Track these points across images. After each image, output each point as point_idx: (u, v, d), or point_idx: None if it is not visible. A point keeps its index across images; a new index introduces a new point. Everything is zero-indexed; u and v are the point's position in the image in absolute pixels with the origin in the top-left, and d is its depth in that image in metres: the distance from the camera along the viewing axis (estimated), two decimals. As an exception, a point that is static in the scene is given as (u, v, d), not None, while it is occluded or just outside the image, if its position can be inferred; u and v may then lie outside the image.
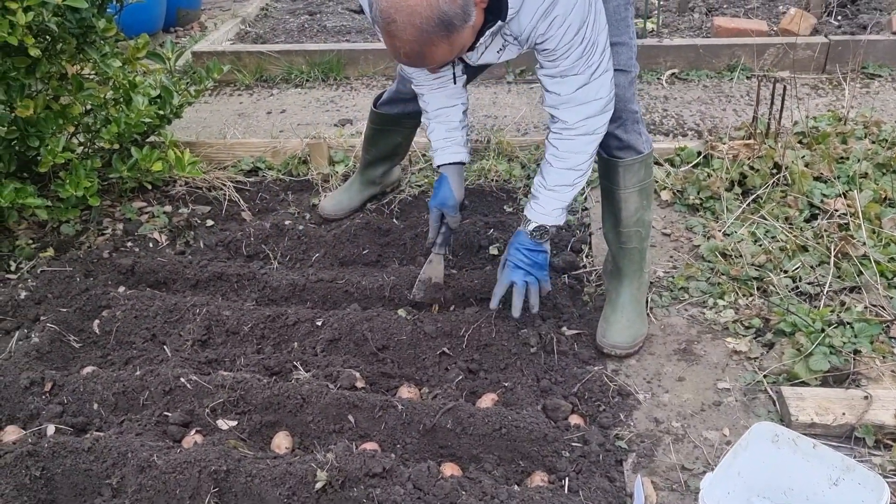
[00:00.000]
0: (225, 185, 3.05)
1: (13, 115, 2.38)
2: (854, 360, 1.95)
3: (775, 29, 4.06)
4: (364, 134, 2.81)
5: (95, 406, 1.97)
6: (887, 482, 1.53)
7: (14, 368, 2.06)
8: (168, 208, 2.95)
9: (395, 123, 2.69)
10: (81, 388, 2.00)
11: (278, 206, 3.02)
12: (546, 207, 1.96)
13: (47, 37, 2.33)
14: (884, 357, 1.95)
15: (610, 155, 2.06)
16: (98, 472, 1.73)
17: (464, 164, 2.17)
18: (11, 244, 2.68)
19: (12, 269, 2.55)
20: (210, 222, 2.90)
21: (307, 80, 4.10)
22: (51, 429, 1.88)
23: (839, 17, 4.22)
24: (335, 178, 3.08)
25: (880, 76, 3.75)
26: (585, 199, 2.89)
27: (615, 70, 1.84)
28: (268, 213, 2.97)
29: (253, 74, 4.10)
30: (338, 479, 1.62)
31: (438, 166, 2.17)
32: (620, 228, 2.14)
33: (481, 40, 1.70)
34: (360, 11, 5.20)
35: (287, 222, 2.82)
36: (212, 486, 1.65)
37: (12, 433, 1.90)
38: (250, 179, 3.14)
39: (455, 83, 2.05)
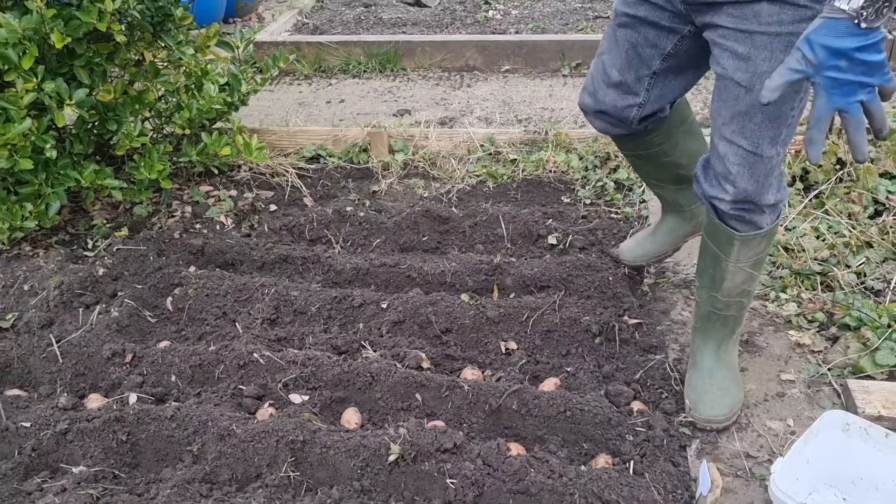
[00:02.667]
0: (287, 171, 3.13)
1: (95, 99, 2.47)
2: (922, 355, 1.94)
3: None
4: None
5: (173, 378, 2.06)
6: (958, 475, 1.53)
7: (96, 340, 2.16)
8: (233, 192, 3.04)
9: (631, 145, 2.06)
10: (160, 360, 2.09)
11: (339, 192, 3.09)
12: None
13: (128, 24, 2.42)
14: (952, 353, 1.93)
15: (723, 221, 1.70)
16: (180, 438, 1.82)
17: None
18: (87, 224, 2.80)
19: (89, 246, 2.66)
20: (273, 207, 2.99)
21: (364, 71, 4.17)
22: (133, 397, 1.98)
23: (903, 14, 4.14)
24: (395, 166, 3.14)
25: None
26: (643, 191, 2.91)
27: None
28: (329, 200, 3.05)
29: (312, 65, 4.19)
30: (410, 453, 1.67)
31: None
32: (719, 296, 1.82)
33: None
34: (415, 4, 5.26)
35: (348, 209, 2.89)
36: (289, 455, 1.72)
37: (95, 401, 2.00)
38: (312, 166, 3.21)
39: None
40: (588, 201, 2.89)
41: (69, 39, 2.18)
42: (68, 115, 2.35)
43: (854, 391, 1.83)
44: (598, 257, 2.50)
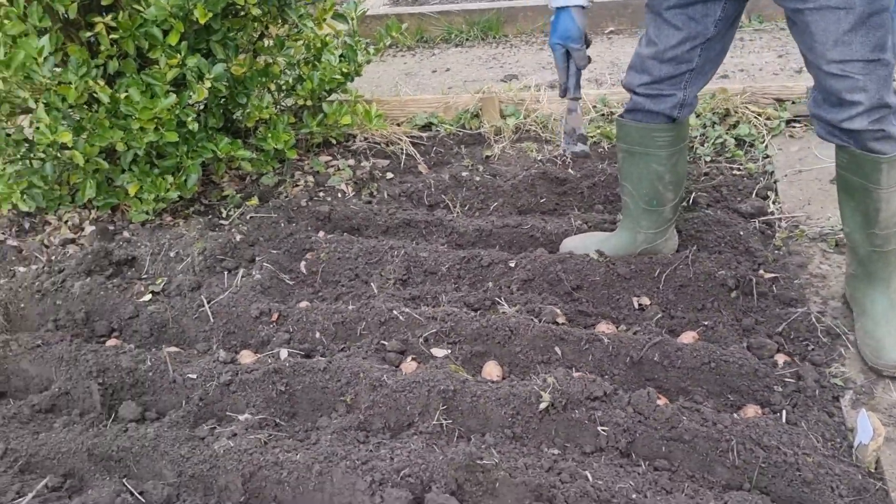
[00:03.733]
0: (401, 139, 3.20)
1: (229, 73, 2.58)
2: None
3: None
4: (618, 164, 2.26)
5: (318, 335, 2.16)
6: None
7: (243, 301, 2.28)
8: (351, 162, 3.13)
9: (645, 141, 2.11)
10: (304, 318, 2.19)
11: (452, 158, 3.14)
12: None
13: (257, -1, 2.51)
14: None
15: (866, 149, 1.75)
16: (333, 389, 1.91)
17: (584, 7, 1.91)
18: (218, 195, 2.94)
19: (224, 215, 2.80)
20: (390, 175, 3.06)
21: (467, 40, 4.20)
22: (283, 353, 2.09)
23: None
24: (507, 130, 3.16)
25: None
26: (766, 146, 2.83)
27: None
28: (443, 166, 3.10)
29: (413, 36, 4.24)
30: (560, 401, 1.71)
31: (557, 8, 1.91)
32: (875, 231, 1.82)
33: None
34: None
35: (464, 174, 2.93)
36: (440, 403, 1.79)
37: (247, 357, 2.12)
38: (424, 134, 3.27)
39: None
40: (708, 158, 2.84)
41: (210, 15, 2.29)
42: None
43: None
44: (725, 213, 2.46)
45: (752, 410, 1.75)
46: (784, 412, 1.71)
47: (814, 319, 1.98)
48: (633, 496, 1.51)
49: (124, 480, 1.74)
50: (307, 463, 1.66)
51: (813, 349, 1.91)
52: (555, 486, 1.54)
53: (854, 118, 1.70)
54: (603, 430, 1.68)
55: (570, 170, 2.89)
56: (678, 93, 2.00)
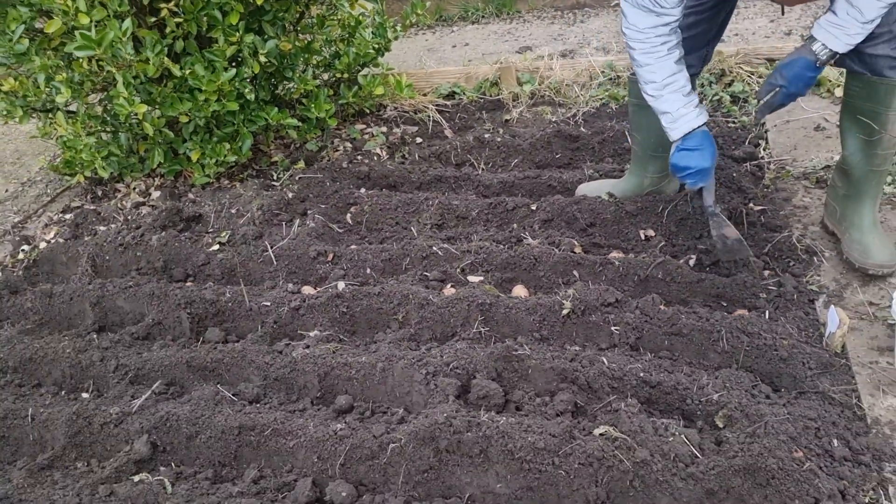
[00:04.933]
0: (427, 107, 3.53)
1: (278, 49, 2.92)
2: None
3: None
4: (629, 116, 2.48)
5: (368, 270, 2.51)
6: None
7: (301, 245, 2.63)
8: (384, 129, 3.47)
9: None
10: (356, 257, 2.54)
11: (475, 123, 3.47)
12: (850, 35, 1.87)
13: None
14: None
15: (883, 76, 1.98)
16: (387, 309, 2.26)
17: (707, 124, 2.12)
18: (267, 161, 3.30)
19: (275, 178, 3.16)
20: (419, 140, 3.40)
21: (482, 17, 4.52)
22: (341, 285, 2.44)
23: None
24: (524, 96, 3.49)
25: None
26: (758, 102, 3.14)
27: None
28: (467, 130, 3.43)
29: (433, 15, 4.56)
30: (580, 307, 2.06)
31: (684, 135, 2.09)
32: (878, 151, 2.09)
33: None
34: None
35: (486, 135, 3.26)
36: (479, 315, 2.14)
37: (309, 291, 2.48)
38: (449, 102, 3.60)
39: (677, 46, 2.06)
40: (707, 113, 3.15)
41: (265, -3, 2.63)
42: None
43: (968, 248, 2.07)
44: (721, 159, 2.78)
45: (741, 312, 2.08)
46: (767, 312, 2.05)
47: (795, 241, 2.30)
48: (641, 374, 1.85)
49: (218, 386, 2.10)
50: (371, 362, 2.01)
51: (793, 264, 2.24)
52: (577, 370, 1.88)
53: (878, 45, 1.94)
54: (615, 330, 2.03)
55: (581, 128, 3.21)
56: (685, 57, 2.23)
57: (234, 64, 2.88)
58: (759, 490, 1.52)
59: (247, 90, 2.81)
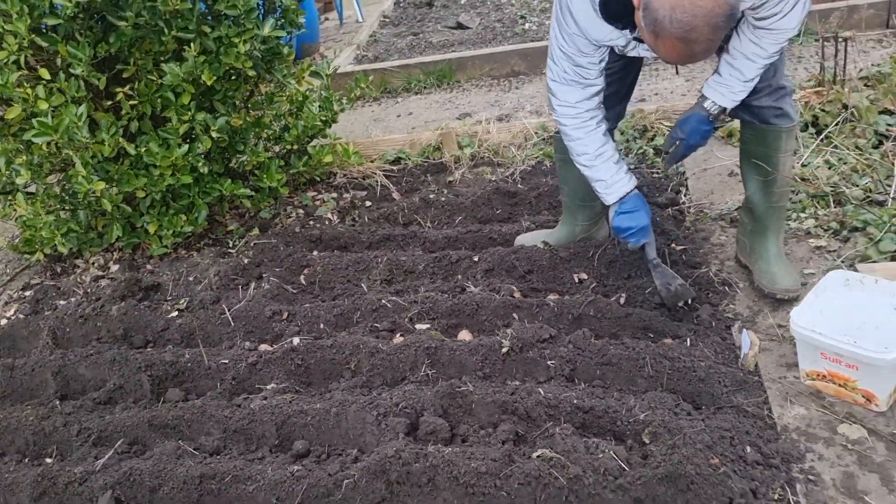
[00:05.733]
0: (375, 173, 3.74)
1: (228, 125, 3.12)
2: (917, 241, 2.40)
3: (839, -6, 4.47)
4: (557, 171, 2.69)
5: (322, 325, 2.65)
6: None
7: (257, 306, 2.76)
8: (334, 195, 3.66)
9: None
10: (309, 314, 2.68)
11: (421, 185, 3.69)
12: (735, 93, 2.13)
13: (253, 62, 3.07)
14: (942, 237, 2.39)
15: (770, 124, 2.26)
16: (340, 360, 2.39)
17: (638, 187, 2.34)
18: (223, 230, 3.45)
19: (231, 245, 3.30)
20: (368, 203, 3.60)
21: (424, 87, 4.80)
22: (296, 340, 2.57)
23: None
24: (465, 158, 3.72)
25: (941, 24, 4.12)
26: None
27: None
28: (413, 192, 3.64)
29: (378, 88, 4.84)
30: (517, 345, 2.22)
31: (620, 198, 2.31)
32: (774, 189, 2.35)
33: None
34: (457, 27, 5.89)
35: (431, 196, 3.47)
36: (426, 358, 2.29)
37: (265, 348, 2.60)
38: (395, 167, 3.82)
39: (604, 120, 2.31)
40: (633, 166, 3.42)
41: (215, 78, 2.83)
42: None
43: (862, 270, 2.30)
44: (645, 206, 3.02)
45: (665, 342, 2.27)
46: (688, 339, 2.24)
47: (712, 275, 2.52)
48: (575, 401, 2.01)
49: (180, 441, 2.19)
50: (326, 408, 2.13)
51: (711, 295, 2.45)
52: (517, 402, 2.03)
53: (761, 98, 2.22)
54: (551, 363, 2.19)
55: (519, 185, 3.45)
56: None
57: (187, 140, 3.06)
58: (681, 495, 1.67)
59: (200, 164, 2.98)
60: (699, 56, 1.81)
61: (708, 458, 1.73)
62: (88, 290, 3.14)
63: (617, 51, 2.19)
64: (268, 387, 2.37)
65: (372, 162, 3.85)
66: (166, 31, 2.75)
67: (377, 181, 3.69)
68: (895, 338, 1.81)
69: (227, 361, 2.46)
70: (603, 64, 2.19)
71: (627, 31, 2.00)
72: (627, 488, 1.70)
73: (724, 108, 2.18)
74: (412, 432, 2.03)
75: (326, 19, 7.41)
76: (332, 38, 6.52)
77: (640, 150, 3.50)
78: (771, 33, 1.99)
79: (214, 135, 2.98)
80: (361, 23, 6.66)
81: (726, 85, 2.13)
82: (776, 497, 1.69)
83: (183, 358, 2.50)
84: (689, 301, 2.38)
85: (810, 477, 1.75)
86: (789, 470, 1.77)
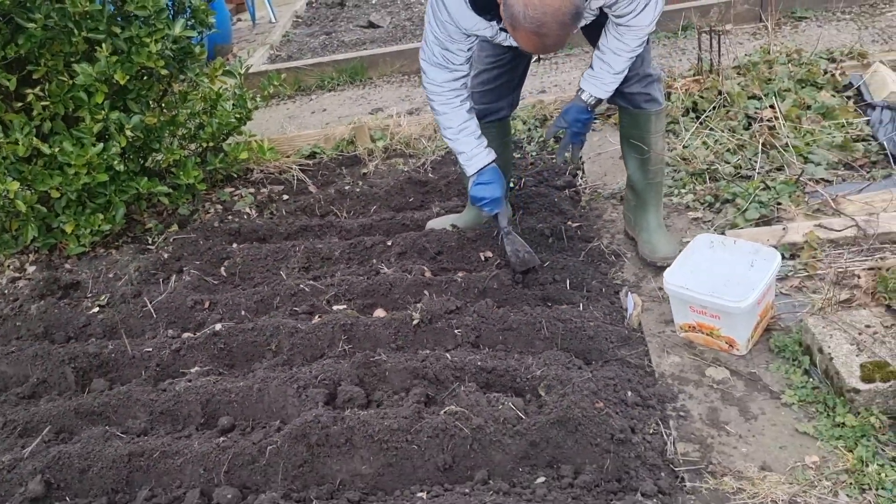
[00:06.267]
0: (291, 167, 3.86)
1: (143, 124, 3.19)
2: (777, 209, 2.72)
3: (718, -9, 4.86)
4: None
5: (243, 312, 2.76)
6: (787, 268, 2.31)
7: (179, 297, 2.85)
8: (252, 190, 3.76)
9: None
10: (230, 301, 2.79)
11: (336, 178, 3.83)
12: (606, 84, 2.37)
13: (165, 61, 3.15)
14: (797, 205, 2.72)
15: (640, 108, 2.53)
16: (261, 342, 2.52)
17: (494, 161, 2.52)
18: (142, 228, 3.50)
19: (150, 242, 3.36)
20: (286, 196, 3.71)
21: (338, 85, 4.94)
22: (218, 326, 2.68)
23: (772, -25, 5.02)
24: (378, 151, 3.89)
25: (806, 17, 4.53)
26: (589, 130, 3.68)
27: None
28: (329, 185, 3.78)
29: (292, 86, 4.94)
30: (427, 317, 2.41)
31: (479, 169, 2.50)
32: (650, 167, 2.62)
33: None
34: (369, 26, 6.04)
35: (346, 188, 3.62)
36: (342, 335, 2.44)
37: (189, 336, 2.70)
38: (310, 161, 3.95)
39: (468, 99, 2.49)
40: (534, 153, 3.66)
41: (128, 77, 2.91)
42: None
43: (728, 236, 2.59)
44: (546, 188, 3.26)
45: (561, 308, 2.50)
46: (581, 304, 2.48)
47: (603, 247, 2.77)
48: (479, 363, 2.21)
49: (107, 427, 2.28)
50: (249, 385, 2.27)
51: (602, 265, 2.70)
52: (426, 368, 2.22)
53: (632, 85, 2.48)
54: (458, 332, 2.39)
55: (430, 174, 3.64)
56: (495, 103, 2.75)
57: (102, 140, 3.11)
58: (570, 435, 1.89)
59: (116, 162, 3.04)
60: (551, 48, 2.05)
61: (593, 402, 1.96)
62: (5, 292, 3.15)
63: (490, 40, 2.40)
64: (192, 370, 2.48)
65: (288, 157, 3.97)
66: (76, 32, 2.81)
67: (293, 175, 3.81)
68: (750, 289, 2.08)
69: (150, 349, 2.55)
70: (471, 52, 2.39)
71: (494, 23, 2.21)
72: (524, 433, 1.91)
73: (600, 99, 2.42)
74: (331, 401, 2.19)
75: (239, 20, 7.42)
76: (245, 38, 6.56)
77: (541, 138, 3.75)
78: (630, 30, 2.25)
79: (129, 133, 3.05)
80: (274, 23, 6.72)
81: (598, 77, 2.37)
82: (651, 431, 1.94)
83: (106, 349, 2.58)
84: (535, 269, 2.61)
85: (681, 413, 2.00)
86: (664, 409, 2.02)
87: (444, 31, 2.33)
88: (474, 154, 2.50)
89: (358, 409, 2.15)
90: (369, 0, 6.87)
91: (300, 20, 6.71)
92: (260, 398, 2.25)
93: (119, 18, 2.95)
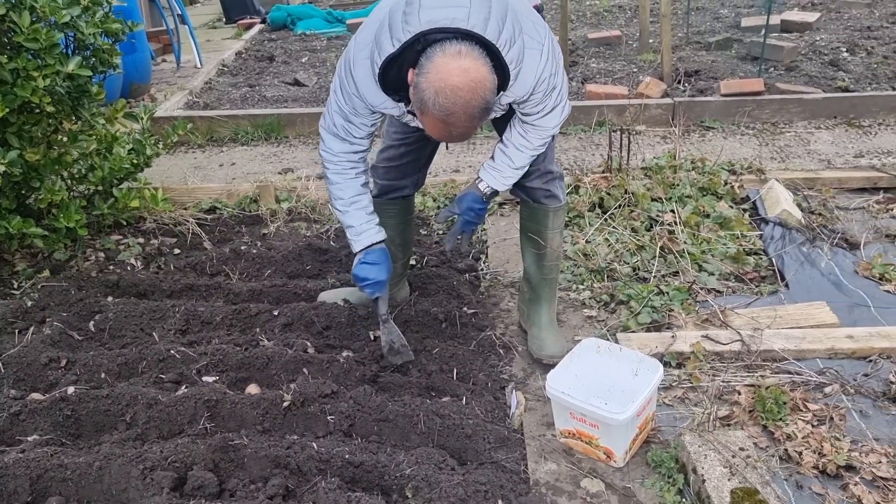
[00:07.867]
0: (188, 220, 3.68)
1: (23, 160, 2.96)
2: (669, 315, 2.72)
3: (633, 93, 5.04)
4: None
5: (103, 375, 2.53)
6: (673, 378, 2.29)
7: (33, 352, 2.60)
8: (141, 240, 3.55)
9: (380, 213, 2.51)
10: (91, 362, 2.56)
11: (234, 236, 3.66)
12: (505, 178, 2.36)
13: (54, 98, 2.96)
14: (688, 313, 2.73)
15: (540, 203, 2.53)
16: (115, 411, 2.30)
17: (384, 241, 2.42)
18: (10, 270, 3.23)
19: (15, 286, 3.09)
20: (177, 251, 3.52)
21: (252, 140, 4.81)
22: (70, 389, 2.44)
23: (685, 84, 5.26)
24: (281, 213, 3.76)
25: (714, 128, 4.75)
26: (483, 222, 3.65)
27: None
28: (226, 243, 3.60)
29: (204, 135, 4.78)
30: (299, 399, 2.25)
31: (366, 247, 2.38)
32: (545, 262, 2.60)
33: None
34: (294, 84, 5.98)
35: (243, 248, 3.46)
36: (205, 411, 2.25)
37: (36, 397, 2.45)
38: (209, 216, 3.77)
39: (364, 173, 2.39)
40: (441, 231, 3.60)
41: (7, 110, 2.70)
42: None
43: (621, 340, 2.57)
44: (447, 270, 3.19)
45: (447, 399, 2.39)
46: (465, 398, 2.37)
47: (495, 338, 2.70)
48: (347, 456, 2.06)
49: (-85, 499, 2.00)
50: (89, 462, 2.04)
51: (492, 357, 2.62)
52: (289, 456, 2.05)
53: (533, 180, 2.48)
54: (331, 418, 2.24)
55: (332, 242, 3.52)
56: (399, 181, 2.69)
57: (-27, 172, 2.87)
58: (431, 547, 1.76)
59: (-16, 198, 2.80)
60: (457, 138, 1.99)
61: (460, 510, 1.84)
62: None
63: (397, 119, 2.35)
64: (29, 438, 2.22)
65: (185, 209, 3.78)
66: (-44, 57, 2.61)
67: (189, 229, 3.63)
68: (631, 401, 2.03)
69: (-15, 411, 2.28)
70: (374, 128, 2.32)
71: (402, 104, 2.15)
72: (381, 541, 1.76)
73: (496, 191, 2.39)
74: (179, 487, 1.99)
75: (164, 60, 7.25)
76: (166, 80, 6.38)
77: (451, 219, 3.70)
78: (536, 129, 2.24)
79: (4, 168, 2.82)
80: (199, 68, 6.58)
81: (498, 170, 2.34)
82: (517, 547, 1.82)
83: (-66, 407, 2.30)
84: (408, 364, 2.52)
85: (551, 528, 1.90)
86: (534, 522, 1.91)
87: (349, 103, 2.26)
88: (363, 230, 2.39)
89: (208, 498, 1.95)
90: (299, 59, 6.83)
91: (226, 69, 6.60)
92: (99, 478, 2.02)
93: (8, 48, 2.76)
